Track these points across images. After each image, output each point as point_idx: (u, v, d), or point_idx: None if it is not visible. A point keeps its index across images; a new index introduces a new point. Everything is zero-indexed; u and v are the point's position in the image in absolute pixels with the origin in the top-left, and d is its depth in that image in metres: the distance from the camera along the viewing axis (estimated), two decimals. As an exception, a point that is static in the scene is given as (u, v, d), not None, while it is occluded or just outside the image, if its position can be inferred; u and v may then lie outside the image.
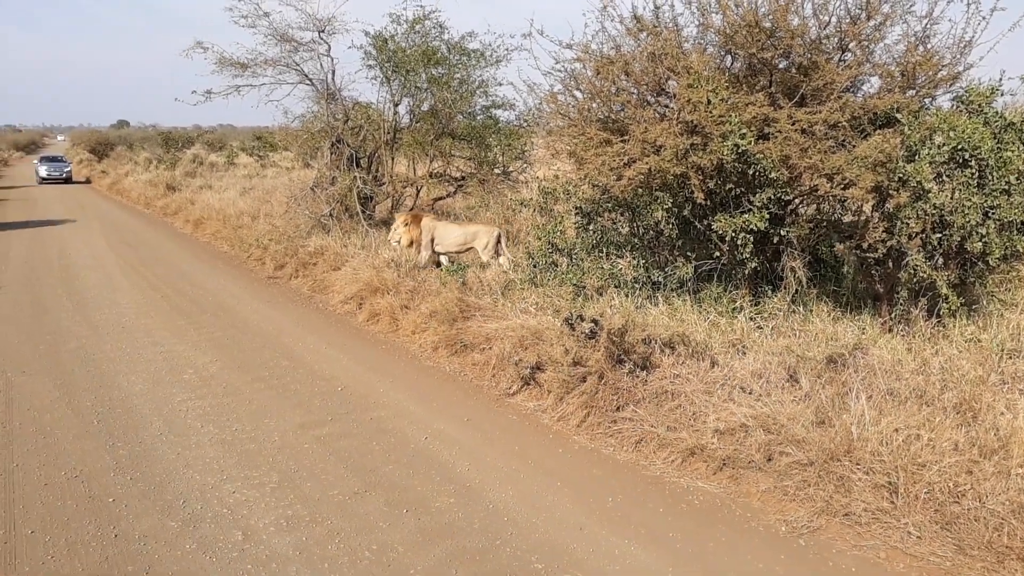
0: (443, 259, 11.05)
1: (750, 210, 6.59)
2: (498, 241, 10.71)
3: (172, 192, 23.24)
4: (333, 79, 13.56)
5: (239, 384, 7.00)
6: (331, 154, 13.70)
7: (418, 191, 14.92)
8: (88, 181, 35.00)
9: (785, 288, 7.15)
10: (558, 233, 8.37)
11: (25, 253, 14.63)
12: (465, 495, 4.90)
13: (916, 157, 6.02)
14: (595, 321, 6.17)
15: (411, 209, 12.77)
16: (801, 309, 7.04)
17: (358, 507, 4.74)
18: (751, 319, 6.87)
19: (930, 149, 5.99)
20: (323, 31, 13.02)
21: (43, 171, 34.11)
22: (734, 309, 7.10)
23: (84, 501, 4.79)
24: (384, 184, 13.85)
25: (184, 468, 5.25)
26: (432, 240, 11.04)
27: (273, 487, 4.99)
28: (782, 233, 6.86)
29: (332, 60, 13.43)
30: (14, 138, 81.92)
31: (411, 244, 11.10)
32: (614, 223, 8.24)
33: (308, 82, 13.60)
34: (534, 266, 8.53)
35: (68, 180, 34.46)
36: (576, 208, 8.19)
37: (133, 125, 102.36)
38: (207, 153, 39.70)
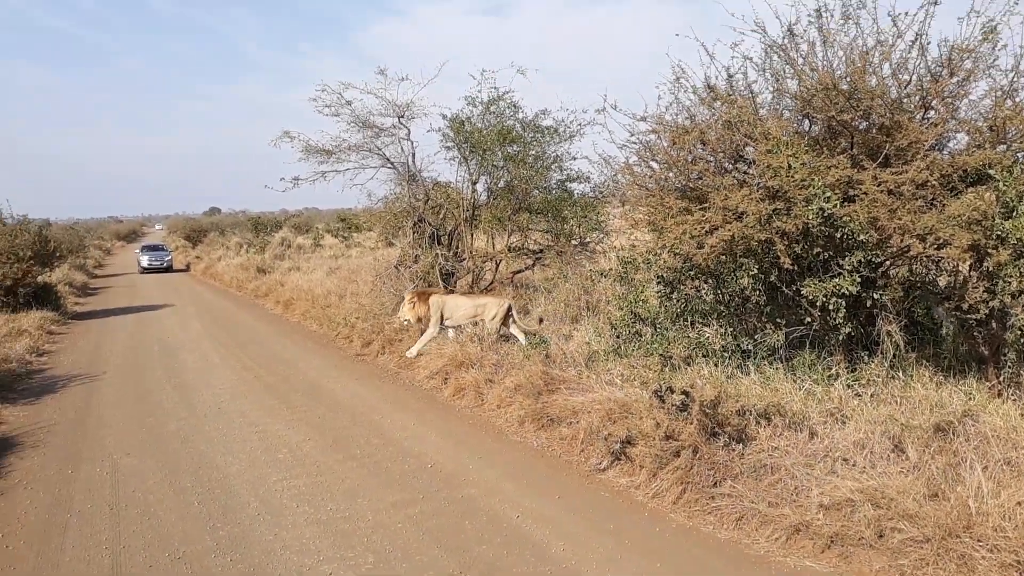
0: (450, 331, 11.41)
1: (840, 274, 6.44)
2: (508, 313, 11.00)
3: (262, 275, 24.19)
4: (413, 161, 14.04)
5: (331, 463, 7.11)
6: (413, 233, 14.09)
7: (497, 265, 15.12)
8: (187, 268, 35.83)
9: (882, 353, 6.89)
10: (640, 302, 8.33)
11: (127, 338, 15.39)
12: (561, 576, 4.82)
13: (1014, 213, 5.81)
14: (686, 393, 6.05)
15: (432, 287, 12.81)
16: (900, 375, 6.74)
17: (454, 589, 4.71)
18: (848, 386, 6.63)
19: (1029, 204, 5.77)
20: (402, 116, 13.54)
21: (145, 261, 34.78)
22: (830, 376, 6.87)
23: (188, 584, 4.91)
24: (464, 260, 14.09)
25: (281, 549, 5.33)
26: (442, 316, 11.32)
27: (369, 568, 5.01)
28: (875, 296, 6.65)
29: (412, 143, 13.94)
30: (116, 228, 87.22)
31: (419, 320, 11.48)
32: (698, 291, 8.16)
33: (390, 165, 14.11)
34: (617, 336, 8.48)
35: (168, 269, 34.99)
36: (658, 277, 8.15)
37: (224, 211, 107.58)
38: (294, 236, 41.26)
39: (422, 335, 11.29)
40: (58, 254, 21.13)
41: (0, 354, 12.19)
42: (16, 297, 17.19)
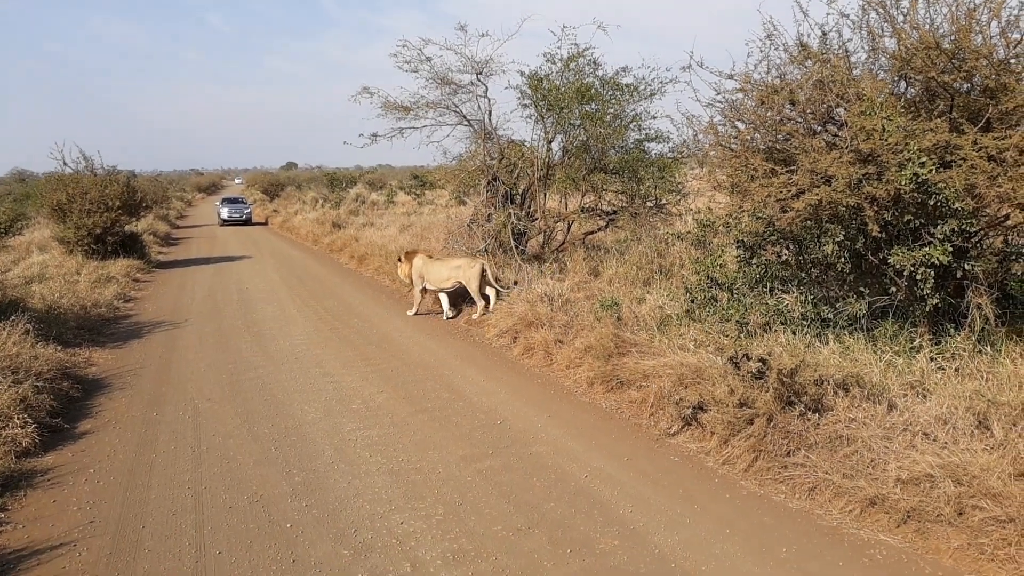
0: (443, 297, 12.09)
1: (931, 243, 6.17)
2: (482, 273, 11.42)
3: (337, 229, 24.61)
4: (490, 119, 13.96)
5: (404, 415, 7.24)
6: (487, 191, 14.07)
7: (569, 226, 15.02)
8: (266, 222, 36.21)
9: (970, 326, 6.60)
10: (718, 267, 8.15)
11: (208, 287, 15.92)
12: (630, 538, 4.81)
13: None
14: (763, 360, 5.92)
15: (418, 249, 13.60)
16: (988, 349, 6.45)
17: (522, 544, 4.76)
18: (932, 359, 6.37)
19: None
20: (481, 73, 13.43)
21: (224, 213, 35.03)
22: (912, 348, 6.63)
23: (265, 525, 5.08)
24: (537, 219, 14.03)
25: (355, 497, 5.47)
26: (421, 277, 12.03)
27: (439, 519, 5.10)
28: (966, 267, 6.35)
29: (489, 101, 13.83)
30: (197, 181, 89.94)
31: (409, 279, 12.32)
32: (779, 256, 7.94)
33: (466, 123, 14.05)
34: (692, 301, 8.34)
35: (248, 222, 35.17)
36: (737, 241, 7.95)
37: (300, 166, 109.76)
38: (368, 192, 41.79)
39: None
40: (144, 204, 21.84)
41: (91, 299, 12.78)
42: (105, 245, 17.93)
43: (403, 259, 12.38)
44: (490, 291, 11.45)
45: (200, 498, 5.51)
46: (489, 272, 11.44)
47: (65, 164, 18.74)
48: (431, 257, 12.21)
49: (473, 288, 11.38)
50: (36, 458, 6.24)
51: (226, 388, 8.24)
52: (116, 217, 18.08)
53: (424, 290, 12.16)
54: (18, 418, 6.49)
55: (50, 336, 9.33)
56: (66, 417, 7.21)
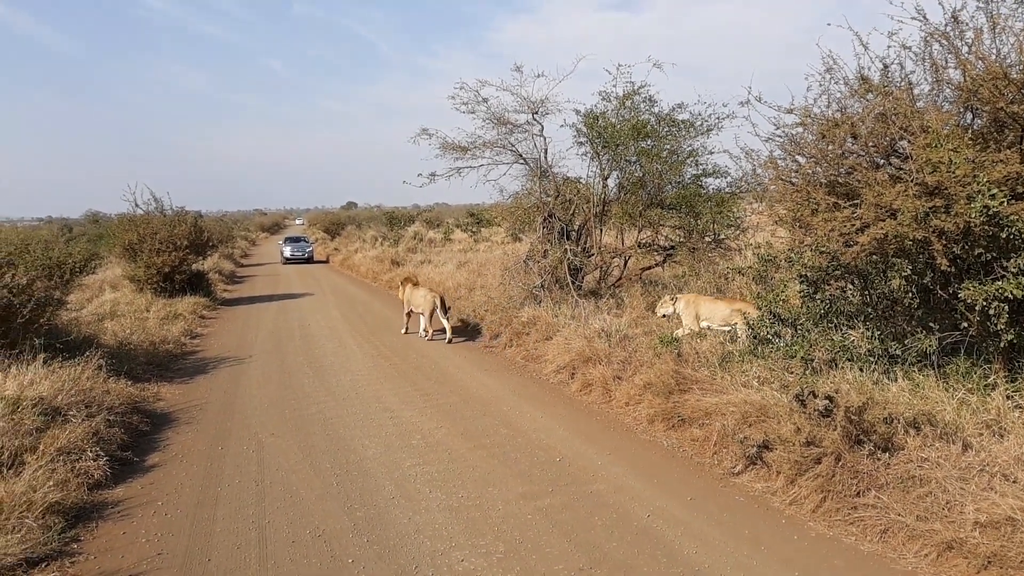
0: (422, 319, 14.03)
1: (1004, 276, 5.97)
2: (438, 304, 13.62)
3: (396, 267, 24.98)
4: (545, 157, 14.07)
5: (463, 451, 7.25)
6: (543, 228, 14.14)
7: (626, 261, 14.96)
8: (327, 260, 37.18)
9: (1049, 362, 6.34)
10: (780, 302, 8.01)
11: (271, 323, 16.27)
12: (694, 579, 4.71)
13: None
14: (830, 397, 5.77)
15: (409, 277, 15.61)
16: (1069, 387, 6.19)
17: (584, 584, 4.69)
18: (1008, 397, 6.13)
19: None
20: (536, 112, 13.58)
21: (287, 252, 36.11)
22: (987, 386, 6.38)
23: (327, 560, 5.11)
24: (593, 255, 14.02)
25: (415, 533, 5.47)
26: (408, 302, 14.34)
27: (499, 557, 5.07)
28: (1044, 301, 6.12)
29: (545, 139, 13.96)
30: (261, 220, 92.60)
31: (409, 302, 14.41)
32: (843, 291, 7.77)
33: (522, 161, 14.20)
34: (754, 337, 8.20)
35: (309, 260, 36.29)
36: (800, 276, 7.81)
37: (360, 206, 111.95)
38: (425, 230, 42.38)
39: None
40: (210, 244, 22.52)
41: (159, 336, 13.17)
42: (173, 283, 18.51)
43: (401, 285, 14.88)
44: (445, 321, 13.53)
45: (264, 532, 5.58)
46: (438, 304, 13.66)
47: (136, 205, 19.50)
48: (416, 285, 14.54)
49: (426, 314, 13.74)
50: (107, 490, 6.41)
51: (289, 423, 8.37)
52: (184, 256, 18.68)
53: (409, 313, 14.40)
54: (91, 451, 6.69)
55: (121, 371, 9.63)
56: (135, 450, 7.41)
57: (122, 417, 7.92)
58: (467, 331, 14.08)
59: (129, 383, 9.33)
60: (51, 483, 5.87)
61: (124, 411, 8.13)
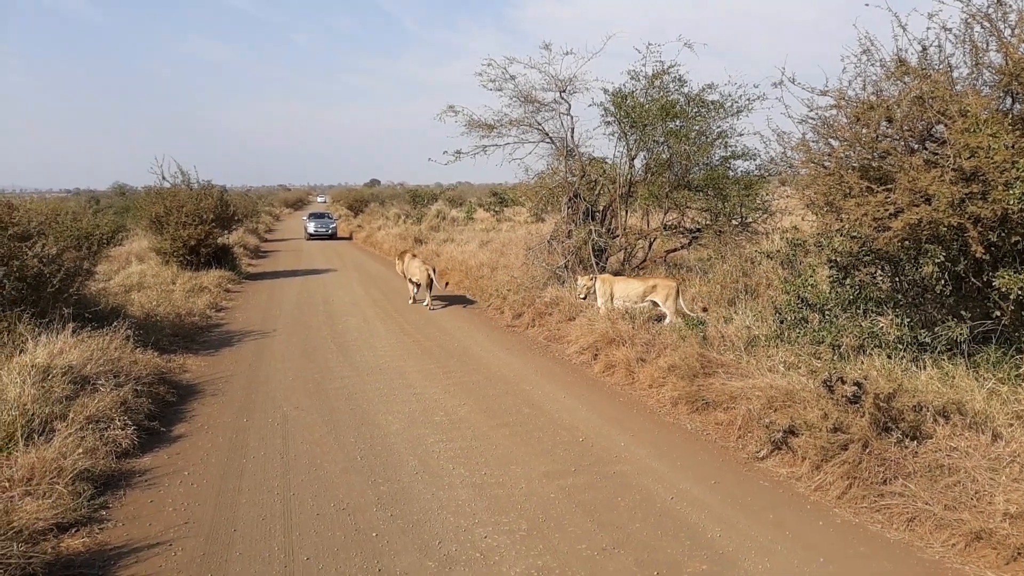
0: (410, 287, 15.46)
1: (1041, 265, 5.85)
2: (429, 275, 14.77)
3: (419, 244, 24.99)
4: (572, 136, 13.97)
5: (485, 429, 7.26)
6: (568, 208, 14.06)
7: (651, 243, 14.86)
8: (350, 237, 37.26)
9: (1084, 354, 6.22)
10: (809, 287, 7.91)
11: (295, 298, 16.38)
12: (719, 563, 4.68)
13: None
14: (858, 384, 5.70)
15: (407, 249, 17.60)
16: (1103, 378, 6.07)
17: (607, 564, 4.68)
18: (1041, 387, 6.03)
19: None
20: (564, 91, 13.47)
21: (311, 227, 36.38)
22: (1018, 376, 6.28)
23: (351, 533, 5.14)
24: (617, 236, 13.94)
25: (439, 509, 5.49)
26: (404, 272, 15.59)
27: (522, 535, 5.07)
28: (1081, 291, 5.99)
29: (572, 118, 13.86)
30: (285, 196, 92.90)
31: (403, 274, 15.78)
32: (873, 277, 7.65)
33: (548, 140, 14.10)
34: (781, 321, 8.12)
35: (333, 236, 36.49)
36: (830, 261, 7.70)
37: (383, 183, 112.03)
38: (448, 208, 42.34)
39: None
40: (235, 218, 22.63)
41: (185, 308, 13.29)
42: (198, 256, 18.65)
43: (399, 258, 16.01)
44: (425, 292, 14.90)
45: (288, 504, 5.62)
46: (433, 275, 14.88)
47: (164, 178, 19.60)
48: (414, 256, 15.61)
49: (423, 284, 14.89)
50: (135, 459, 6.49)
51: (313, 397, 8.42)
52: (210, 230, 18.80)
53: (410, 280, 15.39)
54: (119, 420, 6.77)
55: (148, 342, 9.73)
56: (162, 420, 7.50)
57: (149, 387, 8.01)
58: (488, 310, 14.07)
59: (156, 354, 9.43)
60: (80, 450, 5.95)
61: (151, 381, 8.22)
